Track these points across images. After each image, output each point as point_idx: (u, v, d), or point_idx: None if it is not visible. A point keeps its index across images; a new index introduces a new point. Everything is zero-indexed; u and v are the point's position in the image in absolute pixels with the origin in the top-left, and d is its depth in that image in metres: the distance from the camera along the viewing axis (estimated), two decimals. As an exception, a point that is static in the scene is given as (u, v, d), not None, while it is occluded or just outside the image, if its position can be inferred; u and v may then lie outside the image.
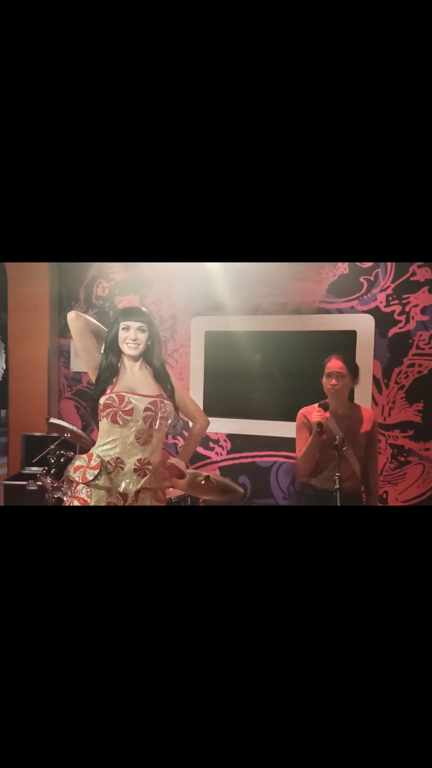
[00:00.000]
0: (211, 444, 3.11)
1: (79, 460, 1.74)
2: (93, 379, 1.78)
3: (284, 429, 2.91)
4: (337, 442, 1.96)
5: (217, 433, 3.07)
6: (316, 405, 2.04)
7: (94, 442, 2.84)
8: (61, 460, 2.50)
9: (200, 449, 2.99)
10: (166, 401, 1.72)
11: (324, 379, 2.08)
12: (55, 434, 2.87)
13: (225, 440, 3.09)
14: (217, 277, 3.01)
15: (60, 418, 3.29)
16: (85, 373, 3.33)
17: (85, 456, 1.74)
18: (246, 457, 3.00)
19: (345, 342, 2.79)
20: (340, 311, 2.81)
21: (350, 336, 2.79)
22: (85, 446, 2.71)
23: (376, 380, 2.76)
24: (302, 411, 2.15)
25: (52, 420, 2.73)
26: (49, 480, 2.43)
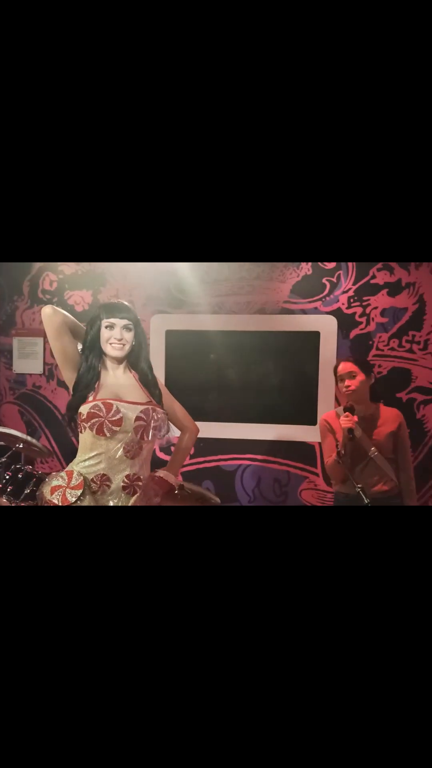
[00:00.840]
0: (173, 449, 2.96)
1: (57, 479, 1.52)
2: (69, 384, 1.58)
3: (248, 431, 2.86)
4: (372, 451, 1.92)
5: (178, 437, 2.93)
6: (336, 409, 2.02)
7: (49, 452, 2.56)
8: (19, 475, 2.20)
9: (162, 454, 2.83)
10: (157, 409, 1.57)
11: (338, 385, 2.06)
12: (1, 443, 2.54)
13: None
14: (180, 274, 2.89)
15: (1, 424, 2.93)
16: (30, 375, 3.01)
17: (63, 474, 1.53)
18: (210, 461, 2.90)
19: (309, 342, 2.82)
20: (303, 312, 2.84)
21: (314, 336, 2.83)
22: (37, 457, 2.43)
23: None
24: (324, 416, 2.11)
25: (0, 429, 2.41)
26: (5, 499, 2.12)
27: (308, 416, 2.84)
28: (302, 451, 2.84)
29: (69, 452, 2.94)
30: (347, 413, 1.94)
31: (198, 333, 2.91)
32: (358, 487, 1.73)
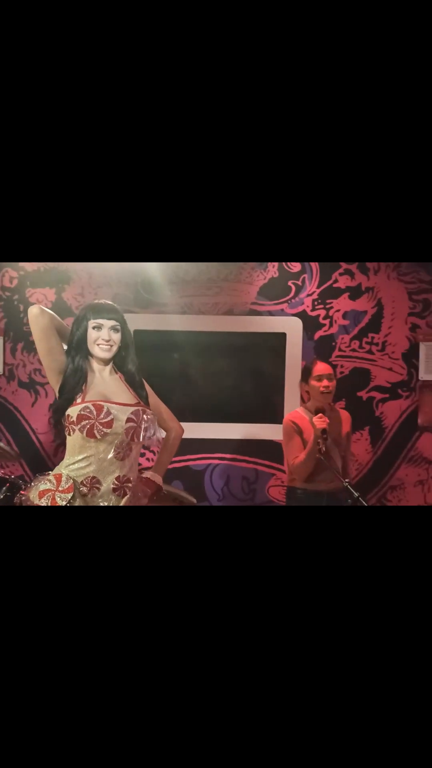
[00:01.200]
0: (155, 449, 2.94)
1: (44, 483, 1.49)
2: (55, 386, 1.54)
3: (217, 430, 2.90)
4: (321, 446, 1.99)
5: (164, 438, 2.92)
6: (301, 410, 2.07)
7: (18, 454, 2.46)
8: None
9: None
10: (147, 410, 1.57)
11: (312, 382, 2.11)
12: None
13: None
14: (147, 273, 2.87)
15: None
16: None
17: (51, 477, 1.50)
18: (179, 461, 2.91)
19: (276, 343, 2.91)
20: (270, 313, 2.92)
21: (280, 338, 2.91)
22: (7, 461, 2.32)
23: (304, 380, 2.92)
24: (289, 417, 2.16)
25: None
26: None
27: (275, 415, 2.92)
28: (270, 449, 2.92)
29: (32, 456, 2.83)
30: (320, 414, 2.02)
31: (166, 333, 2.90)
32: (346, 482, 1.83)
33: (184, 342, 2.89)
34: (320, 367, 2.10)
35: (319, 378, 2.08)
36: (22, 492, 1.91)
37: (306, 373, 2.16)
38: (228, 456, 2.91)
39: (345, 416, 2.22)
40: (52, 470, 1.56)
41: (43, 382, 2.87)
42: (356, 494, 1.74)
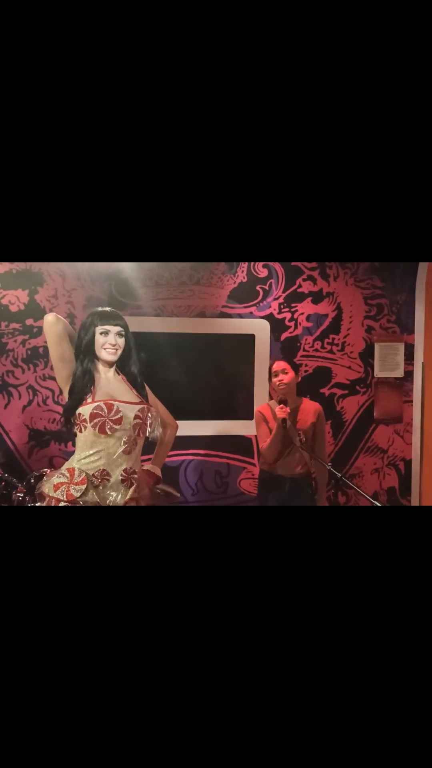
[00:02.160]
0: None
1: (59, 477, 1.61)
2: (64, 388, 1.66)
3: (189, 428, 3.02)
4: (301, 436, 2.24)
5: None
6: (269, 403, 2.29)
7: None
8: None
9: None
10: (150, 407, 1.70)
11: (272, 380, 2.36)
12: None
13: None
14: (121, 276, 2.94)
15: None
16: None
17: (64, 471, 1.61)
18: (155, 458, 3.00)
19: (245, 344, 3.08)
20: (240, 316, 3.08)
21: (250, 339, 3.09)
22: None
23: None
24: (259, 408, 2.40)
25: None
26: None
27: (245, 412, 3.09)
28: (240, 444, 3.09)
29: (5, 457, 2.82)
30: (282, 405, 2.26)
31: (141, 335, 2.97)
32: (329, 465, 2.04)
33: (159, 343, 2.98)
34: (276, 366, 2.35)
35: (276, 374, 2.32)
36: (19, 490, 1.96)
37: (269, 374, 2.42)
38: (201, 452, 3.05)
39: (313, 407, 2.42)
40: (32, 471, 1.62)
41: (16, 384, 2.86)
42: (339, 475, 1.86)
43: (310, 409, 2.41)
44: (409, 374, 3.23)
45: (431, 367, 3.18)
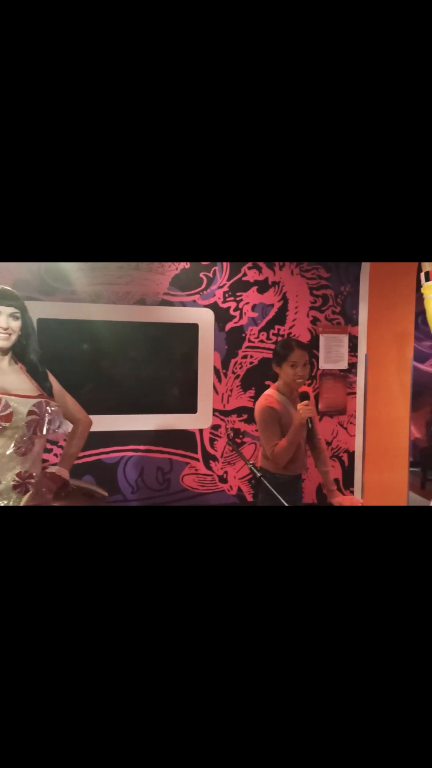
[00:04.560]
0: (48, 445, 2.78)
1: None
2: None
3: (128, 422, 2.86)
4: (319, 434, 2.08)
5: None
6: (275, 395, 1.98)
7: None
8: None
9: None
10: (51, 401, 1.50)
11: (289, 370, 1.95)
12: None
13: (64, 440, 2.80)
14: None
15: None
16: None
17: None
18: (91, 455, 2.81)
19: (188, 334, 2.93)
20: (183, 304, 2.93)
21: (193, 328, 2.95)
22: None
23: (216, 370, 2.99)
24: (266, 404, 1.97)
25: None
26: None
27: (188, 405, 2.96)
28: (184, 439, 2.95)
29: None
30: (306, 402, 1.88)
31: (75, 322, 2.76)
32: (250, 464, 1.73)
33: (94, 331, 2.77)
34: (297, 356, 1.93)
35: (294, 365, 1.93)
36: None
37: (280, 358, 1.97)
38: (142, 447, 2.89)
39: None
40: None
41: None
42: (258, 474, 1.66)
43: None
44: (353, 366, 3.23)
45: (374, 358, 3.19)
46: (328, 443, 3.20)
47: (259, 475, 1.68)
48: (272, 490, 1.63)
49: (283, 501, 1.61)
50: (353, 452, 3.26)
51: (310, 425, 1.91)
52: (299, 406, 1.90)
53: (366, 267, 3.17)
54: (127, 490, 2.88)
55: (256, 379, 3.00)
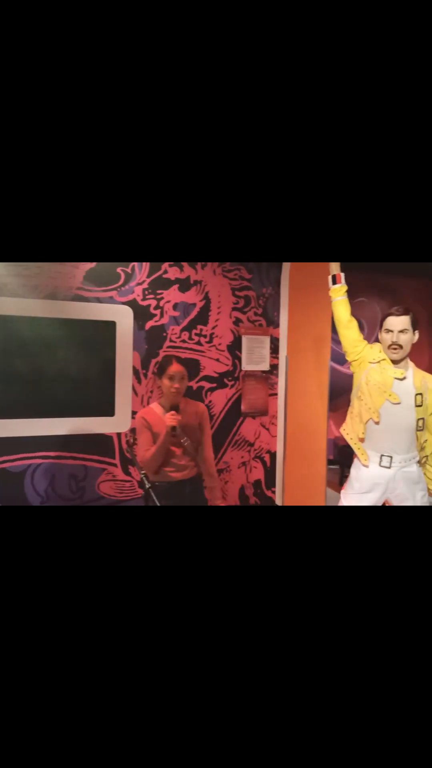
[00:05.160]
0: None
1: None
2: None
3: (37, 427, 2.63)
4: (183, 440, 2.06)
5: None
6: (152, 406, 2.09)
7: None
8: None
9: None
10: None
11: (167, 381, 2.06)
12: None
13: (-38, 448, 2.51)
14: None
15: None
16: None
17: None
18: (-6, 464, 2.54)
19: (105, 332, 2.76)
20: (99, 300, 2.75)
21: (110, 327, 2.78)
22: None
23: (135, 371, 2.85)
24: (142, 413, 2.13)
25: None
26: None
27: (105, 407, 2.79)
28: (101, 443, 2.78)
29: None
30: (173, 412, 2.02)
31: (-25, 317, 2.47)
32: (142, 473, 1.92)
33: (-3, 328, 2.51)
34: (174, 369, 2.07)
35: (172, 378, 2.07)
36: None
37: (160, 370, 2.11)
38: (52, 454, 2.66)
39: (198, 409, 2.23)
40: None
41: None
42: (147, 485, 1.81)
43: (196, 410, 2.19)
44: (274, 367, 3.24)
45: (295, 360, 3.22)
46: (251, 444, 3.18)
47: (148, 486, 1.80)
48: (153, 495, 1.79)
49: (157, 502, 1.78)
50: (275, 453, 3.27)
51: (173, 432, 2.02)
52: (166, 415, 2.02)
53: (286, 270, 3.19)
54: (36, 499, 2.65)
55: (178, 380, 2.89)
